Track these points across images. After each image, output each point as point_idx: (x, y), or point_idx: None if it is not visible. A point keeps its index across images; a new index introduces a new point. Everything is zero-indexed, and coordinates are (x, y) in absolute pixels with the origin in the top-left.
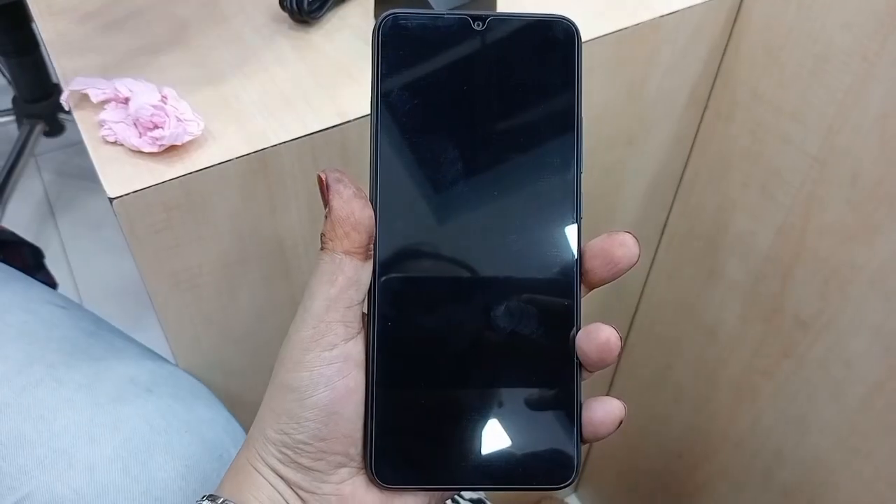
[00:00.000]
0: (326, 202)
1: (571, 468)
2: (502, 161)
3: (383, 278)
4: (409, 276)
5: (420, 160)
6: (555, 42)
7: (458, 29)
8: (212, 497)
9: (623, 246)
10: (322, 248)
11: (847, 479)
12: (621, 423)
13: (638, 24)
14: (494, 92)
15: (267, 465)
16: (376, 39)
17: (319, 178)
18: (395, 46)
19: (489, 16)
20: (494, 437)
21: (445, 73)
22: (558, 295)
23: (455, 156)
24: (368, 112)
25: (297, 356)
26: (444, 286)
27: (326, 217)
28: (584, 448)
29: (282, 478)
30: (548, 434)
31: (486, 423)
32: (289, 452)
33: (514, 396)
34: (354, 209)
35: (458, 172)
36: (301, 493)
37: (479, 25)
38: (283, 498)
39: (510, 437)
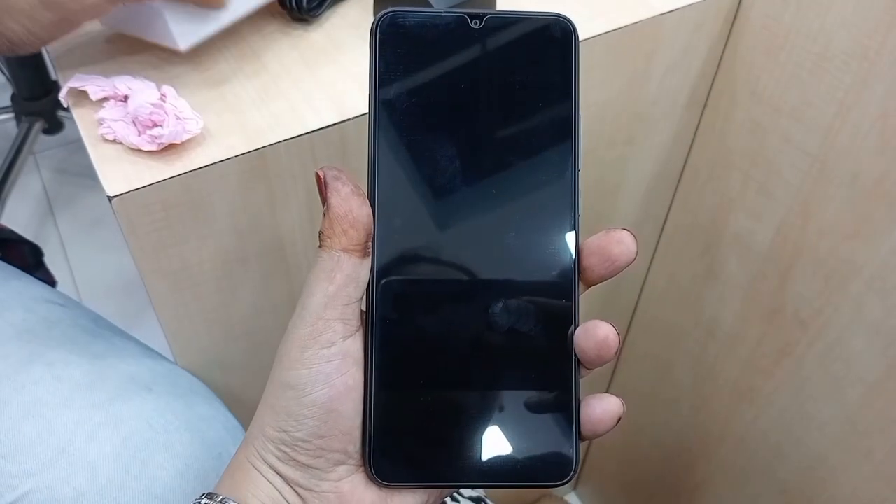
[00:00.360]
0: (324, 200)
1: (570, 465)
2: (500, 159)
3: (382, 276)
4: (408, 274)
5: (418, 158)
6: (552, 40)
7: (455, 27)
8: (210, 495)
9: (620, 243)
10: (320, 246)
11: (846, 477)
12: (619, 420)
13: (638, 23)
14: (492, 90)
15: (266, 462)
16: (374, 37)
17: (318, 176)
18: (392, 45)
19: (487, 14)
20: (493, 435)
21: (443, 72)
22: (556, 292)
23: (453, 154)
24: (367, 110)
25: (296, 354)
26: (442, 284)
27: (324, 215)
28: (583, 446)
29: (280, 475)
30: (546, 431)
31: (484, 420)
32: (287, 450)
33: (513, 394)
34: (353, 206)
35: (456, 170)
36: (300, 490)
37: (476, 24)
38: (282, 496)
39: (509, 434)
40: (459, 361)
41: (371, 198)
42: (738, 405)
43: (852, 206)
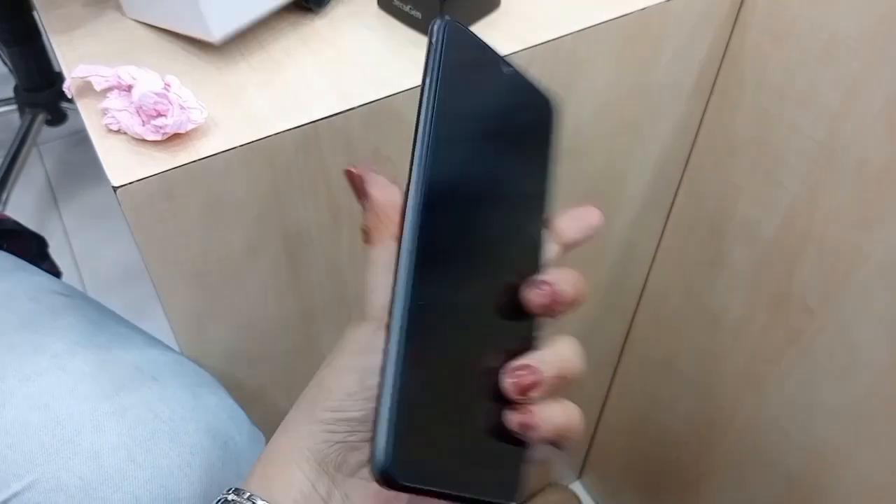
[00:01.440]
0: (362, 194)
1: (513, 490)
2: (504, 178)
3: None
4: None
5: (459, 159)
6: (542, 110)
7: (489, 61)
8: (238, 491)
9: (586, 207)
10: (368, 242)
11: (851, 466)
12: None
13: (644, 9)
14: (505, 125)
15: (307, 447)
16: (440, 38)
17: (350, 173)
18: (453, 51)
19: (513, 67)
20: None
21: (475, 94)
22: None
23: (480, 154)
24: (373, 98)
25: (364, 342)
26: (465, 287)
27: (366, 210)
28: (587, 435)
29: (318, 463)
30: (502, 449)
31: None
32: (340, 432)
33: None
34: (394, 195)
35: (478, 168)
36: (337, 475)
37: (506, 69)
38: (315, 489)
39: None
40: (476, 365)
41: (413, 192)
42: (745, 393)
43: (859, 194)
